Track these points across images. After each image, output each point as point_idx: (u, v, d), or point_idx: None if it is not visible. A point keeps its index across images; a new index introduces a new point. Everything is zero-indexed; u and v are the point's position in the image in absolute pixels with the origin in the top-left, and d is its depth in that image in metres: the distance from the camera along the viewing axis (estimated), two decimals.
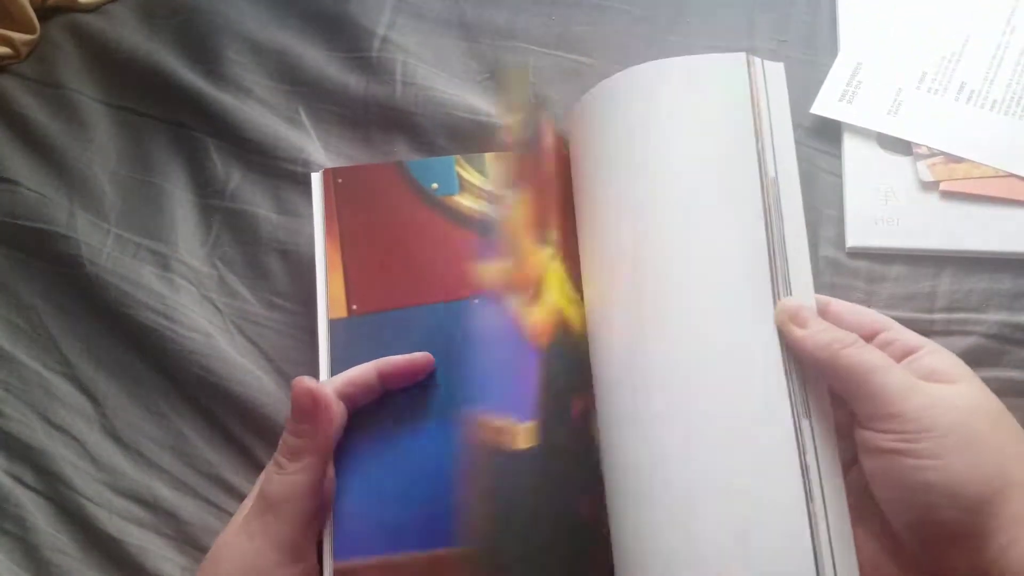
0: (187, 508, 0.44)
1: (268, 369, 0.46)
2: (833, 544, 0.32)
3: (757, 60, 0.39)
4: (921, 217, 0.46)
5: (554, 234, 0.42)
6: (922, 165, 0.47)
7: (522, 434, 0.38)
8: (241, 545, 0.34)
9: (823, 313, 0.36)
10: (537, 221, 0.42)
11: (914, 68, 0.50)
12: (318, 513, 0.36)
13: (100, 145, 0.53)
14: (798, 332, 0.34)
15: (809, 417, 0.33)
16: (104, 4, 0.57)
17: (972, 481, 0.30)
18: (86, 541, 0.43)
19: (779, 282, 0.35)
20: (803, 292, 0.36)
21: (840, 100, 0.49)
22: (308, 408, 0.35)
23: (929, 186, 0.46)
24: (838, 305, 0.37)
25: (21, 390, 0.47)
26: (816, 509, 0.32)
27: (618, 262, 0.38)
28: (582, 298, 0.41)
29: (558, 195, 0.43)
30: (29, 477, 0.45)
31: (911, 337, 0.35)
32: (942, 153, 0.47)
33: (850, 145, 0.48)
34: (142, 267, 0.49)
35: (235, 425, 0.45)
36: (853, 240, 0.46)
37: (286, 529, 0.34)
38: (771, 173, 0.37)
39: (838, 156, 0.48)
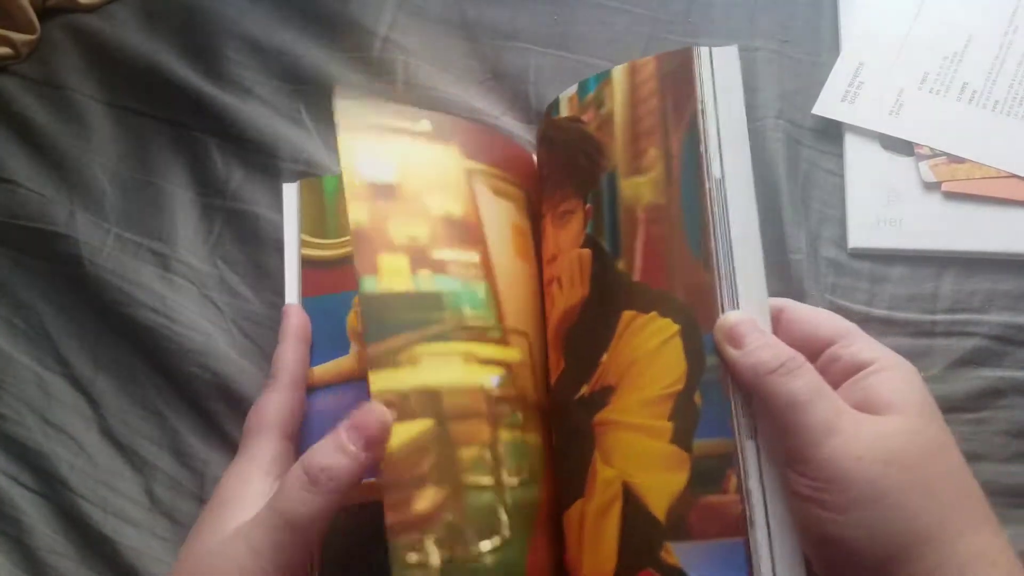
0: (184, 509, 0.44)
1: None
2: (777, 570, 0.29)
3: (704, 50, 0.35)
4: (923, 218, 0.46)
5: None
6: (924, 166, 0.47)
7: None
8: (239, 557, 0.30)
9: (775, 320, 0.33)
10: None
11: (916, 68, 0.50)
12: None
13: (100, 145, 0.53)
14: (731, 352, 0.31)
15: (755, 438, 0.31)
16: (104, 4, 0.57)
17: (873, 540, 0.28)
18: (83, 542, 0.43)
19: (724, 296, 0.32)
20: (754, 303, 0.32)
21: (842, 101, 0.49)
22: (375, 443, 0.31)
23: (931, 187, 0.46)
24: (795, 311, 0.34)
25: (19, 390, 0.46)
26: (759, 536, 0.29)
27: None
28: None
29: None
30: (26, 477, 0.44)
31: (864, 350, 0.32)
32: (944, 154, 0.47)
33: (852, 146, 0.48)
34: (142, 267, 0.49)
35: (233, 425, 0.44)
36: (855, 241, 0.46)
37: (295, 552, 0.31)
38: (716, 174, 0.33)
39: (840, 156, 0.48)
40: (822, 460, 0.28)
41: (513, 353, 0.36)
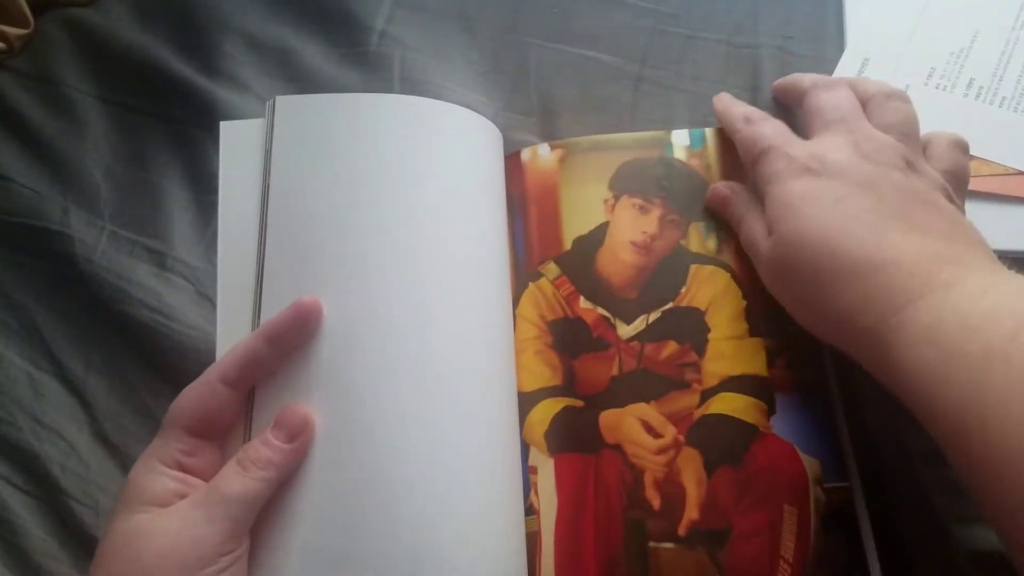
0: None
1: None
2: None
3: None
4: None
5: None
6: None
7: None
8: (177, 531, 0.32)
9: None
10: None
11: (922, 64, 0.49)
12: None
13: (95, 141, 0.52)
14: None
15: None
16: None
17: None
18: (76, 546, 0.42)
19: None
20: None
21: None
22: (296, 433, 0.36)
23: None
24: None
25: (10, 390, 0.46)
26: None
27: None
28: None
29: None
30: (19, 479, 0.44)
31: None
32: None
33: None
34: (138, 264, 0.48)
35: None
36: None
37: (231, 527, 0.33)
38: None
39: None
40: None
41: None
